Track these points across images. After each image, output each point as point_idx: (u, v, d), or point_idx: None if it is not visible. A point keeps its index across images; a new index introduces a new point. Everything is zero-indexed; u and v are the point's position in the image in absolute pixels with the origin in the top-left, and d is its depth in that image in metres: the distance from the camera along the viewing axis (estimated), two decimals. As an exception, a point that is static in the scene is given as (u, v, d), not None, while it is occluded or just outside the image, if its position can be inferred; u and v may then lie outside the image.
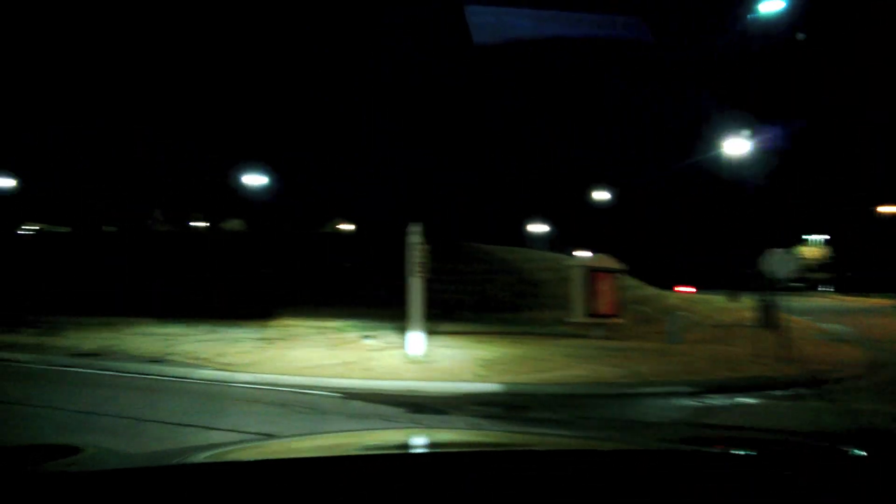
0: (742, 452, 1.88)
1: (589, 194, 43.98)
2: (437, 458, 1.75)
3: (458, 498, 1.26)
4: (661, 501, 1.28)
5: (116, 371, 10.93)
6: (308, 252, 23.49)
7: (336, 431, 6.35)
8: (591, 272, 16.60)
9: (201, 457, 1.71)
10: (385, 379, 10.23)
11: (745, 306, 23.78)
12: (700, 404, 9.47)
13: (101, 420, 7.14)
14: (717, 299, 31.23)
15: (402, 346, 12.49)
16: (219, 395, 9.34)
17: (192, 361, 11.49)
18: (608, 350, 13.63)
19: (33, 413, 7.45)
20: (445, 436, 3.13)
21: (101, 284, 19.65)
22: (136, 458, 1.93)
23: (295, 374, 10.36)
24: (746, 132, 18.89)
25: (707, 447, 2.07)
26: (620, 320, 17.38)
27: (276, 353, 12.06)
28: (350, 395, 9.49)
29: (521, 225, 48.82)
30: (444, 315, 16.29)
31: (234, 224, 44.30)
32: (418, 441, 2.34)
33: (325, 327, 15.77)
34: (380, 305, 18.01)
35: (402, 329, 14.81)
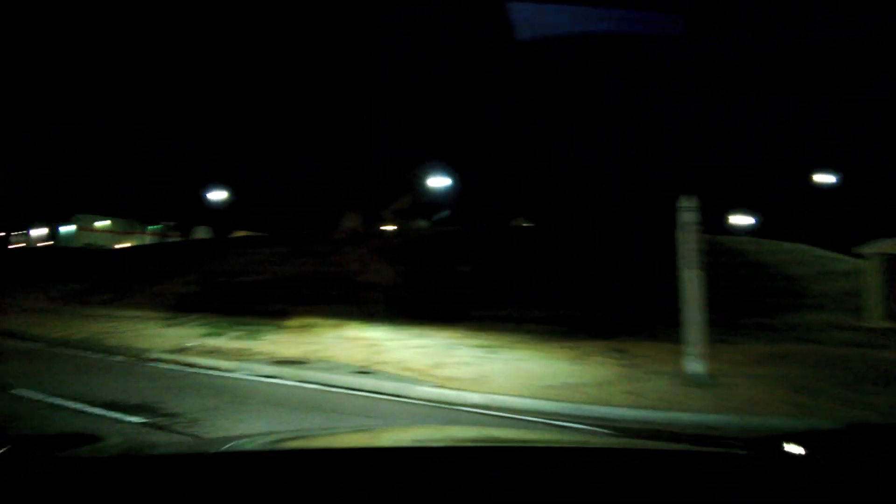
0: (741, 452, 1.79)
1: (804, 179, 37.91)
2: (442, 453, 1.64)
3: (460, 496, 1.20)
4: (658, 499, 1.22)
5: (321, 384, 9.12)
6: (497, 249, 21.24)
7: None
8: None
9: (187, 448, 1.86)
10: (662, 409, 7.43)
11: None
12: None
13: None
14: None
15: (661, 361, 9.64)
16: (450, 426, 7.09)
17: (406, 374, 9.44)
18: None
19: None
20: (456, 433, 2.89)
21: (299, 286, 18.72)
22: (151, 447, 1.87)
23: (538, 397, 7.88)
24: None
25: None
26: (929, 325, 13.19)
27: (504, 367, 9.70)
28: (621, 430, 6.82)
29: (720, 216, 43.70)
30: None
31: (421, 224, 43.61)
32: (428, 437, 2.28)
33: (543, 332, 13.28)
34: (580, 305, 15.20)
35: (641, 338, 11.95)
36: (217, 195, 45.26)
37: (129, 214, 67.32)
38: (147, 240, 58.07)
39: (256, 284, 19.44)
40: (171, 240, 50.92)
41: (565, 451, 1.73)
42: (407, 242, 23.96)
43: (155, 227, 68.06)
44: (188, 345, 12.38)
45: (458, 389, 8.39)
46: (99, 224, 65.93)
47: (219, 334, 13.52)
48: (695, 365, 8.29)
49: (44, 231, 66.66)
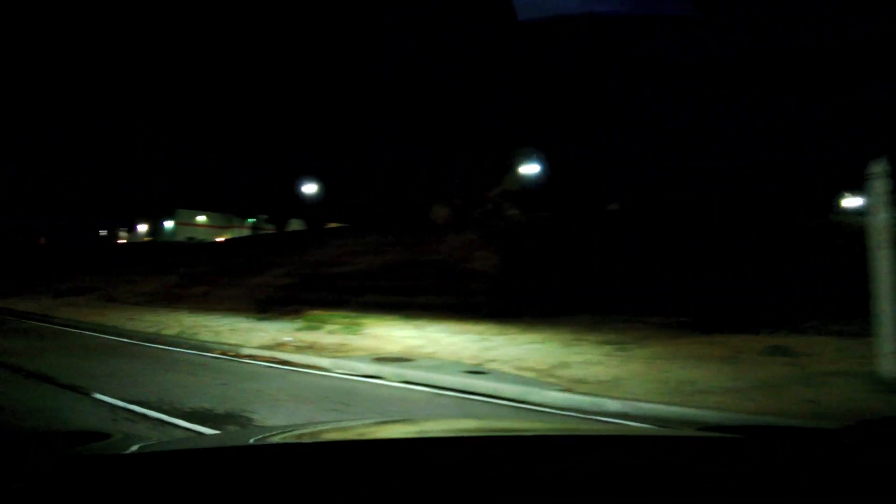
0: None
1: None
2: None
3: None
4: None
5: (429, 385, 8.02)
6: (598, 236, 19.60)
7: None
8: None
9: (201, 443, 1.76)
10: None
11: None
12: None
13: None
14: None
15: (833, 361, 8.03)
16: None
17: (525, 375, 8.22)
18: None
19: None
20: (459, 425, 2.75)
21: (396, 275, 17.85)
22: (160, 444, 1.77)
23: (693, 405, 6.45)
24: None
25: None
26: None
27: (640, 368, 8.30)
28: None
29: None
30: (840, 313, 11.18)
31: (513, 213, 42.53)
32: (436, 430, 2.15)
33: (671, 325, 11.79)
34: (702, 296, 13.40)
35: (792, 332, 10.28)
36: (309, 188, 47.05)
37: (226, 209, 69.51)
38: (243, 233, 59.39)
39: (352, 275, 18.70)
40: (264, 232, 51.82)
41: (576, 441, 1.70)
42: (509, 229, 22.69)
43: (251, 220, 69.80)
44: (284, 339, 11.63)
45: (592, 395, 7.10)
46: (198, 218, 68.16)
47: (315, 328, 12.75)
48: (891, 365, 6.67)
49: (146, 227, 69.54)
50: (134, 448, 1.55)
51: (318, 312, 14.66)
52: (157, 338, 12.36)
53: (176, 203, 68.73)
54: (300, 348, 10.75)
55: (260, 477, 1.14)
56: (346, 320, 13.36)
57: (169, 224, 67.47)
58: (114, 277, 26.69)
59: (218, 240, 56.59)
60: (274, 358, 10.13)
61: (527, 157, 33.06)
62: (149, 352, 10.89)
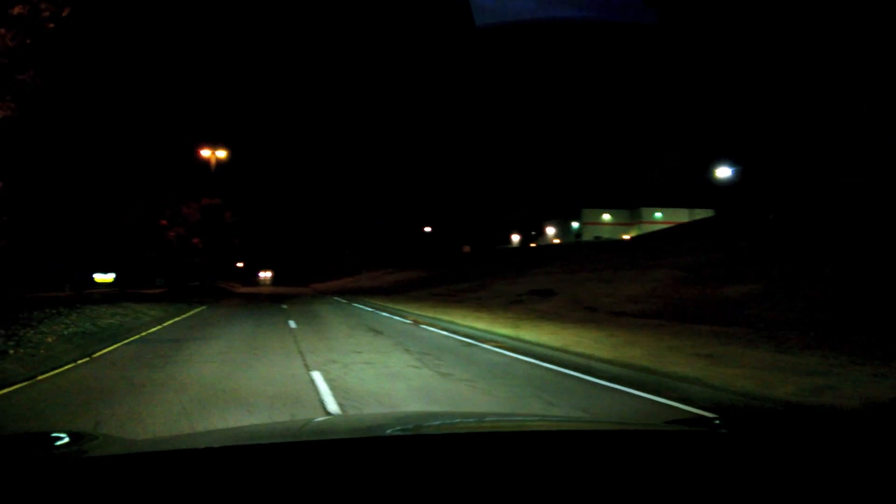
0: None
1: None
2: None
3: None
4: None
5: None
6: None
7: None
8: None
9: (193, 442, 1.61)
10: None
11: None
12: None
13: None
14: None
15: None
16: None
17: None
18: None
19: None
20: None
21: None
22: (138, 443, 1.72)
23: None
24: None
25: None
26: None
27: None
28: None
29: None
30: None
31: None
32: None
33: None
34: None
35: None
36: (723, 172, 39.50)
37: (631, 204, 64.99)
38: (649, 228, 52.45)
39: None
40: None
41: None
42: None
43: (657, 215, 64.17)
44: None
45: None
46: (603, 217, 64.53)
47: None
48: None
49: (552, 229, 68.12)
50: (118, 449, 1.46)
51: None
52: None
53: (581, 203, 66.66)
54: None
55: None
56: None
57: (575, 224, 64.94)
58: (561, 277, 21.96)
59: (626, 237, 51.18)
60: None
61: None
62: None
